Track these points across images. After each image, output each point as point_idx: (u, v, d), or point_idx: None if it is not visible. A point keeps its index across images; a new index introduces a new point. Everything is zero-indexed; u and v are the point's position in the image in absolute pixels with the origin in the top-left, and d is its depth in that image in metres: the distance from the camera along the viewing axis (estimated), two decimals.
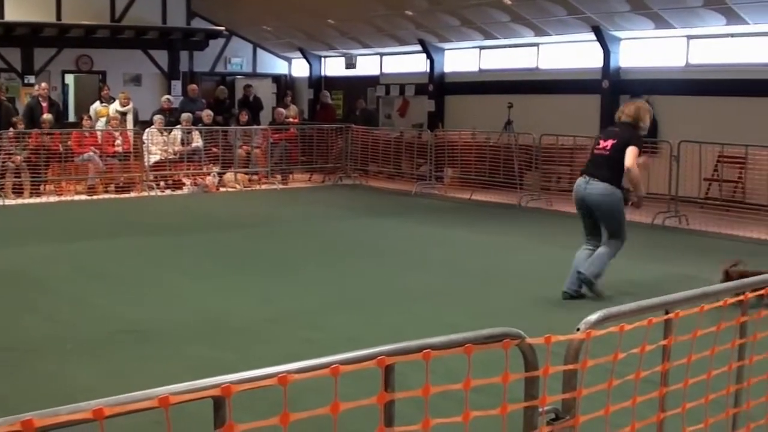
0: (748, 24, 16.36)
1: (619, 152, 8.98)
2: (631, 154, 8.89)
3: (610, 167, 9.06)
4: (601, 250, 9.19)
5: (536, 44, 20.87)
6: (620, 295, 8.74)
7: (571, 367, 2.62)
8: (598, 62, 19.19)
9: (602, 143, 9.25)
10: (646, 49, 18.87)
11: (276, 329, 7.73)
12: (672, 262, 11.27)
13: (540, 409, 2.57)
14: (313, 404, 2.24)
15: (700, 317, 3.02)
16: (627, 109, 9.38)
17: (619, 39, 18.96)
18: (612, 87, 18.96)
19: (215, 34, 25.42)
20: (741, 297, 3.31)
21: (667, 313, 2.98)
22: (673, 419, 3.02)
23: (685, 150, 15.04)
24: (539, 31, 19.93)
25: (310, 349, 6.29)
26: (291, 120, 22.12)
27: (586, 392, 2.66)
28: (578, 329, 2.66)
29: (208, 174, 19.05)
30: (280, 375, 2.18)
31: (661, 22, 17.46)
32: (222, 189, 19.10)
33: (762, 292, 3.44)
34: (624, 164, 8.91)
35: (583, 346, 2.63)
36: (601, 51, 18.99)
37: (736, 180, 15.94)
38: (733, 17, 16.30)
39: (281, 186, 19.87)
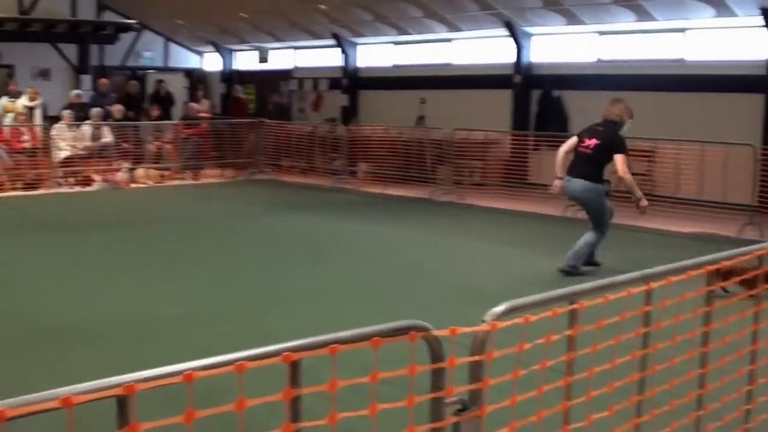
0: (657, 20, 16.69)
1: (601, 152, 9.66)
2: (620, 161, 9.54)
3: (591, 165, 9.73)
4: (581, 242, 9.86)
5: (449, 40, 20.99)
6: (527, 287, 8.84)
7: (477, 358, 2.64)
8: (510, 57, 19.38)
9: (587, 141, 9.86)
10: (558, 45, 19.11)
11: (190, 327, 7.65)
12: None
13: (446, 401, 2.59)
14: (224, 401, 2.23)
15: (605, 307, 3.07)
16: (615, 108, 9.88)
17: (531, 34, 19.17)
18: (524, 82, 19.18)
19: (126, 28, 25.08)
20: (645, 287, 3.37)
21: (571, 303, 3.03)
22: (578, 407, 3.06)
23: None
24: (452, 27, 20.06)
25: (224, 347, 6.23)
26: (203, 114, 21.93)
27: (492, 383, 2.69)
28: (484, 321, 2.68)
29: (119, 170, 18.77)
30: (185, 373, 2.16)
31: (572, 18, 17.71)
32: (133, 185, 18.81)
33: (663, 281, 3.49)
34: (604, 163, 9.72)
35: (489, 338, 2.66)
36: (514, 46, 19.18)
37: (644, 173, 16.22)
38: (642, 14, 16.62)
39: (193, 182, 19.70)
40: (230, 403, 2.22)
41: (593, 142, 9.68)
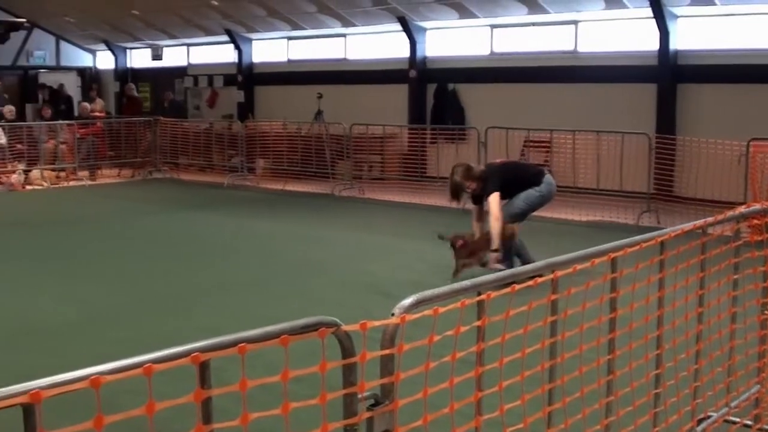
0: (549, 13, 16.94)
1: None
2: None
3: None
4: None
5: (344, 35, 20.98)
6: (432, 279, 8.89)
7: (387, 352, 2.63)
8: (404, 52, 19.45)
9: None
10: (452, 39, 19.25)
11: (88, 330, 7.49)
12: None
13: (359, 396, 2.57)
14: (131, 405, 2.17)
15: (512, 297, 3.08)
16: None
17: (425, 29, 19.28)
18: (419, 76, 19.28)
19: (16, 27, 24.43)
20: (551, 276, 3.39)
21: (479, 294, 3.03)
22: (490, 397, 3.07)
23: (493, 135, 15.44)
24: (346, 22, 20.05)
25: (124, 349, 6.09)
26: (97, 114, 21.54)
27: (404, 376, 2.67)
28: (393, 314, 2.67)
29: (14, 172, 18.30)
30: (92, 377, 2.10)
31: (464, 12, 17.86)
32: (29, 187, 18.38)
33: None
34: None
35: (399, 331, 2.65)
36: (408, 41, 19.26)
37: (542, 163, 16.46)
38: (534, 7, 16.84)
39: (90, 182, 19.32)
40: (137, 407, 2.16)
41: None
